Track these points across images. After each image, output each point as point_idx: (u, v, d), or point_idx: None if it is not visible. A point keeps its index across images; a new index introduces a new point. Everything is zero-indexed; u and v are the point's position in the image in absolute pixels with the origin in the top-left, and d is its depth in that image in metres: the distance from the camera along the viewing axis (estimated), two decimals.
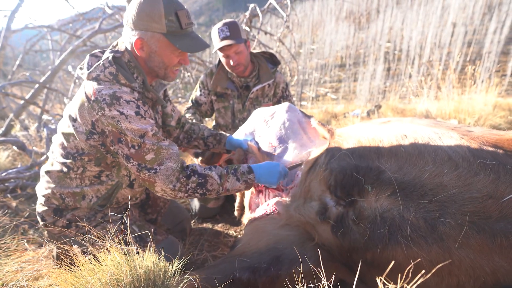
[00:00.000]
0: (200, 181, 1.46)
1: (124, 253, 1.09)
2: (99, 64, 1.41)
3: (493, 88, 4.10)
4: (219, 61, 2.59)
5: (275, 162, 1.64)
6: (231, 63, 2.37)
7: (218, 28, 2.31)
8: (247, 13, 6.55)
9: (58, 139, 1.55)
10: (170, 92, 8.86)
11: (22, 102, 4.64)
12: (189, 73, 7.68)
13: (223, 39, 2.29)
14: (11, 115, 4.51)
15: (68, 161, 1.50)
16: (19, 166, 3.12)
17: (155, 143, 1.40)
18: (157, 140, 1.41)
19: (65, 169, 1.51)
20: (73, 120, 1.44)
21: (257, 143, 1.96)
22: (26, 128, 4.82)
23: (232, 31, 2.29)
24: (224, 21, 2.36)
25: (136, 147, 1.37)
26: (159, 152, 1.40)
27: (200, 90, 2.70)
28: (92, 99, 1.36)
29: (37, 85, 4.73)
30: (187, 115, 2.63)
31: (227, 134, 2.04)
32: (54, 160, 1.55)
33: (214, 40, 2.37)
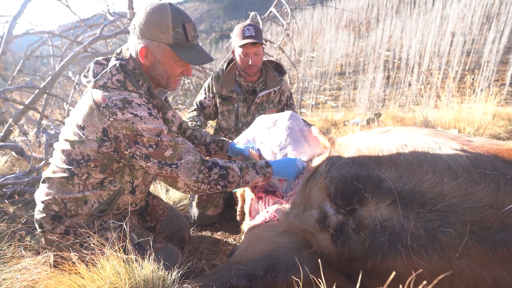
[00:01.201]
0: (222, 172, 1.48)
1: (123, 261, 1.08)
2: (106, 71, 1.41)
3: (492, 97, 4.12)
4: (227, 64, 2.67)
5: (292, 158, 1.67)
6: (249, 61, 2.46)
7: (244, 27, 2.41)
8: (248, 21, 6.60)
9: (60, 146, 1.54)
10: (170, 99, 8.89)
11: (21, 107, 4.64)
12: (189, 80, 7.70)
13: (247, 37, 2.38)
14: (10, 120, 4.51)
15: (72, 167, 1.49)
16: (17, 171, 3.11)
17: (172, 140, 1.43)
18: (172, 136, 1.44)
19: (68, 175, 1.50)
20: (81, 128, 1.43)
21: (258, 150, 1.96)
22: (25, 134, 4.82)
23: (257, 32, 2.41)
24: (249, 22, 2.44)
25: (154, 146, 1.39)
26: (176, 148, 1.43)
27: (205, 93, 2.77)
28: (102, 105, 1.36)
29: (37, 91, 4.74)
30: (191, 116, 2.68)
31: (230, 141, 2.05)
32: (56, 166, 1.55)
33: (236, 37, 2.45)
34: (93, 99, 1.39)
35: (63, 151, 1.52)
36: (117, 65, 1.42)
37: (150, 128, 1.38)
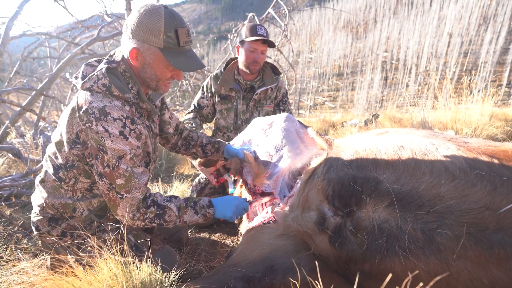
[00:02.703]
0: (158, 212, 1.48)
1: (121, 264, 1.07)
2: (93, 75, 1.41)
3: (489, 98, 4.14)
4: (226, 65, 2.78)
5: (235, 196, 1.67)
6: (255, 57, 2.59)
7: (257, 26, 2.55)
8: (246, 22, 6.60)
9: (51, 149, 1.54)
10: (168, 100, 8.88)
11: (18, 109, 4.62)
12: (187, 81, 7.70)
13: (260, 35, 2.52)
14: (7, 122, 4.49)
15: (60, 171, 1.49)
16: (14, 173, 3.09)
17: (129, 169, 1.41)
18: (132, 165, 1.42)
19: (58, 180, 1.50)
20: (63, 128, 1.44)
21: (254, 152, 1.96)
22: (22, 135, 4.80)
23: (267, 34, 2.58)
24: (247, 22, 2.54)
25: (111, 168, 1.38)
26: (130, 180, 1.41)
27: (203, 94, 2.84)
28: (83, 109, 1.36)
29: (34, 92, 4.73)
30: (187, 118, 2.72)
31: (226, 143, 2.05)
32: (48, 170, 1.55)
33: (248, 32, 2.57)
34: (77, 101, 1.40)
35: (52, 154, 1.53)
36: (104, 69, 1.41)
37: (114, 148, 1.37)
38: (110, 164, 1.38)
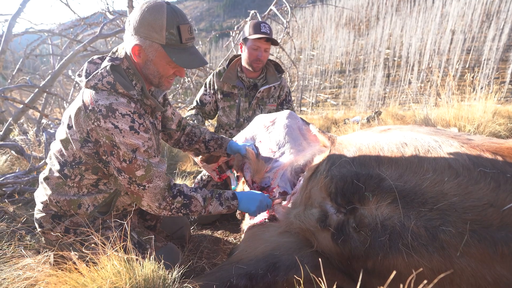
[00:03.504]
0: (185, 202, 1.50)
1: (124, 261, 1.08)
2: (97, 73, 1.41)
3: (492, 95, 4.12)
4: (229, 62, 2.76)
5: (259, 192, 1.67)
6: (258, 55, 2.57)
7: (261, 23, 2.53)
8: (248, 19, 6.58)
9: (56, 146, 1.54)
10: (170, 97, 8.88)
11: (21, 106, 4.64)
12: (189, 79, 7.69)
13: (264, 33, 2.50)
14: (10, 119, 4.51)
15: (65, 168, 1.50)
16: (17, 170, 3.11)
17: (146, 160, 1.42)
18: (148, 156, 1.43)
19: (63, 177, 1.51)
20: (69, 127, 1.44)
21: (257, 148, 1.96)
22: (25, 132, 4.81)
23: (271, 32, 2.56)
24: (250, 19, 2.54)
25: (128, 162, 1.39)
26: (149, 170, 1.43)
27: (206, 90, 2.83)
28: (89, 108, 1.36)
29: (36, 90, 4.74)
30: (189, 115, 2.73)
31: (229, 139, 2.05)
32: (52, 167, 1.55)
33: (251, 30, 2.55)
34: (83, 100, 1.40)
35: (57, 151, 1.53)
36: (108, 67, 1.41)
37: (127, 142, 1.38)
38: (127, 158, 1.39)
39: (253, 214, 1.63)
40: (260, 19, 6.53)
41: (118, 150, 1.38)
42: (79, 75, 1.47)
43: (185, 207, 1.50)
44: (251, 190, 1.70)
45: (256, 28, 2.51)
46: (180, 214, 1.52)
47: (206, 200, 1.54)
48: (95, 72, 1.42)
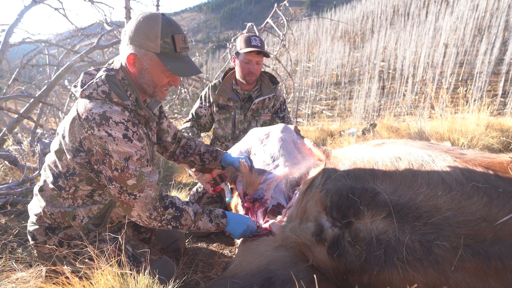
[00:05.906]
0: (176, 214, 1.49)
1: (118, 275, 1.06)
2: (92, 82, 1.42)
3: (485, 108, 4.17)
4: (224, 75, 2.79)
5: (248, 216, 1.67)
6: (250, 69, 2.58)
7: (251, 36, 2.55)
8: (245, 31, 6.66)
9: (50, 158, 1.54)
10: (166, 108, 8.88)
11: (16, 116, 4.62)
12: (185, 89, 7.72)
13: (254, 46, 2.51)
14: (4, 129, 4.48)
15: (60, 180, 1.49)
16: (10, 181, 3.07)
17: (138, 169, 1.41)
18: (140, 165, 1.43)
19: (57, 189, 1.50)
20: (63, 137, 1.44)
21: (251, 161, 1.97)
22: (19, 143, 4.78)
23: (262, 44, 2.57)
24: (246, 32, 2.56)
25: (119, 171, 1.38)
26: (141, 179, 1.42)
27: (201, 103, 2.86)
28: (83, 117, 1.37)
29: (32, 100, 4.72)
30: (184, 127, 2.73)
31: (224, 151, 2.05)
32: (47, 178, 1.54)
33: (242, 44, 2.57)
34: (77, 110, 1.40)
35: (51, 163, 1.53)
36: (103, 76, 1.43)
37: (120, 150, 1.37)
38: (118, 167, 1.38)
39: (237, 237, 1.63)
40: (257, 32, 6.61)
41: (110, 159, 1.37)
42: (75, 86, 1.48)
43: (175, 219, 1.49)
44: (240, 214, 1.70)
45: (247, 41, 2.54)
46: (170, 226, 1.50)
47: (197, 215, 1.54)
48: (90, 82, 1.43)
